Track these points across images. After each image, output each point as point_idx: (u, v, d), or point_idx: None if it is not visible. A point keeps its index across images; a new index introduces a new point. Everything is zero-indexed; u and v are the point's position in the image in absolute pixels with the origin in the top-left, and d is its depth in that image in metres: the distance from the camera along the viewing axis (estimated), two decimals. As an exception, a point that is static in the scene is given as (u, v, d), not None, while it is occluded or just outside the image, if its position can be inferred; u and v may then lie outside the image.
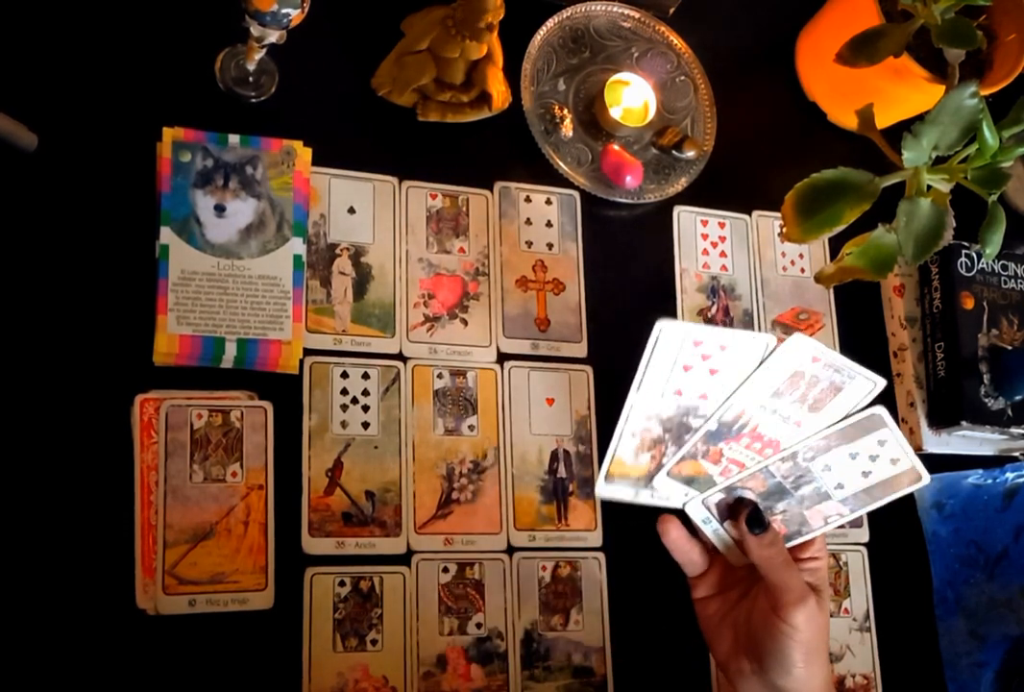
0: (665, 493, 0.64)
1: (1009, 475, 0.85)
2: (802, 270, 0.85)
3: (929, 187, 0.67)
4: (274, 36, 0.63)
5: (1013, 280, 0.86)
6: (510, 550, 0.69)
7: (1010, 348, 0.82)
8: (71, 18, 0.68)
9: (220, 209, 0.66)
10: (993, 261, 0.85)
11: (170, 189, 0.65)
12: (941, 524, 0.82)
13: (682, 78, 0.85)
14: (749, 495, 0.63)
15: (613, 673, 0.69)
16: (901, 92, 0.81)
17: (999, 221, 0.69)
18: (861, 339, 0.85)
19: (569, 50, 0.82)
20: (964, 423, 0.79)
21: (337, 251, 0.71)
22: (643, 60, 0.84)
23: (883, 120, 0.75)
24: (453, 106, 0.75)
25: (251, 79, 0.70)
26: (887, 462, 0.61)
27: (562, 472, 0.72)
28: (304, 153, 0.69)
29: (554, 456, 0.72)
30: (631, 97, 0.81)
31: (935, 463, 0.81)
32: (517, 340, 0.74)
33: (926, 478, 0.61)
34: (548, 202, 0.78)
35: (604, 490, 0.63)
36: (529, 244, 0.76)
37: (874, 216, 0.67)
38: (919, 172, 0.67)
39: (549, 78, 0.80)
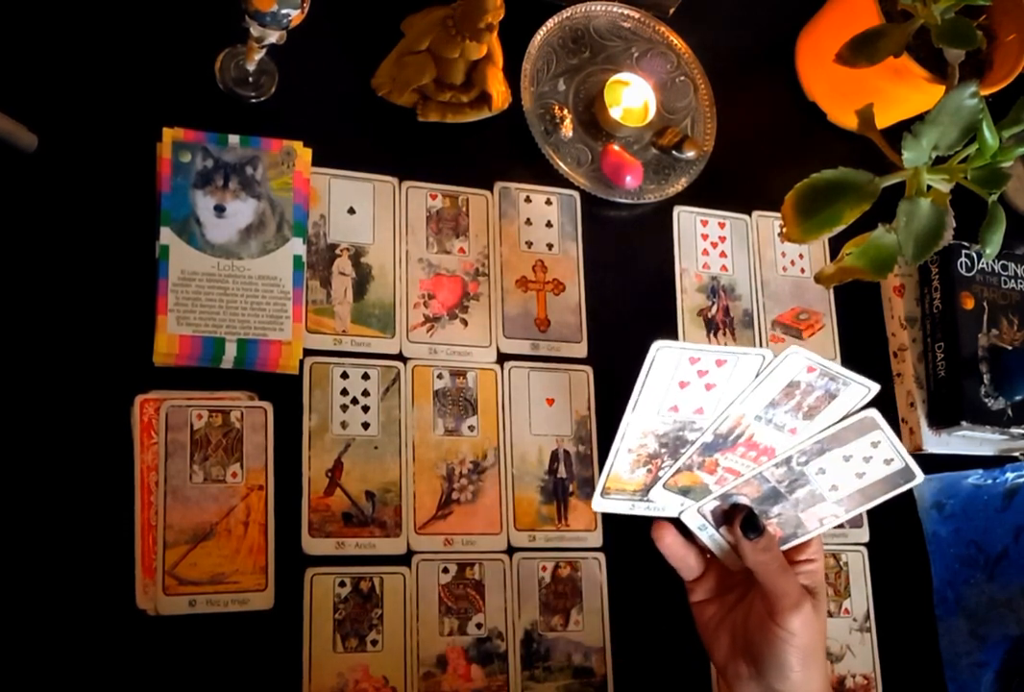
0: (661, 504, 0.64)
1: (1009, 475, 0.84)
2: (802, 270, 0.85)
3: (929, 187, 0.67)
4: (274, 36, 0.63)
5: (1013, 280, 0.86)
6: (510, 550, 0.69)
7: (1010, 348, 0.82)
8: (71, 18, 0.68)
9: (220, 209, 0.65)
10: (993, 261, 0.85)
11: (170, 189, 0.65)
12: (941, 524, 0.82)
13: (682, 78, 0.85)
14: (744, 500, 0.63)
15: (613, 673, 0.69)
16: (901, 92, 0.81)
17: (999, 221, 0.69)
18: (861, 339, 0.85)
19: (569, 50, 0.82)
20: (964, 423, 0.79)
21: (337, 251, 0.71)
22: (643, 60, 0.84)
23: (883, 120, 0.75)
24: (453, 106, 0.75)
25: (251, 79, 0.70)
26: (880, 463, 0.61)
27: (562, 472, 0.72)
28: (304, 153, 0.69)
29: (554, 456, 0.72)
30: (631, 97, 0.81)
31: (935, 463, 0.82)
32: (517, 340, 0.74)
33: (920, 477, 0.61)
34: (548, 202, 0.78)
35: (600, 504, 0.64)
36: (529, 244, 0.76)
37: (874, 216, 0.67)
38: (919, 172, 0.66)
39: (549, 78, 0.80)
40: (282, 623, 0.63)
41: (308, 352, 0.67)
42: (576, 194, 0.79)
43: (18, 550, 0.58)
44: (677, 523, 0.65)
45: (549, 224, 0.77)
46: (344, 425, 0.67)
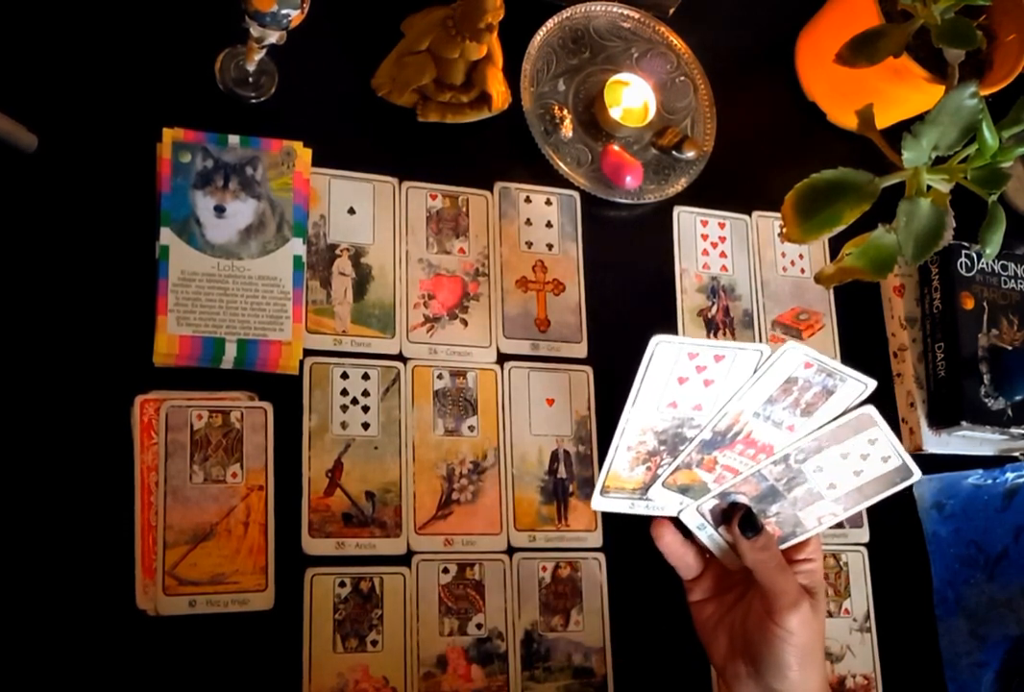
0: (660, 503, 0.64)
1: (1009, 475, 0.85)
2: (802, 270, 0.85)
3: (929, 187, 0.67)
4: (274, 37, 0.63)
5: (1013, 280, 0.86)
6: (510, 551, 0.69)
7: (1010, 348, 0.82)
8: (71, 19, 0.68)
9: (220, 210, 0.65)
10: (993, 261, 0.85)
11: (170, 190, 0.65)
12: (941, 524, 0.82)
13: (682, 78, 0.85)
14: (742, 499, 0.63)
15: (613, 673, 0.69)
16: (901, 92, 0.81)
17: (999, 221, 0.69)
18: (861, 339, 0.85)
19: (569, 50, 0.82)
20: (964, 423, 0.79)
21: (337, 252, 0.71)
22: (643, 60, 0.84)
23: (883, 120, 0.75)
24: (453, 106, 0.75)
25: (251, 80, 0.70)
26: (878, 460, 0.61)
27: (562, 472, 0.72)
28: (304, 154, 0.69)
29: (554, 456, 0.72)
30: (631, 97, 0.81)
31: (935, 463, 0.82)
32: (517, 340, 0.74)
33: (917, 474, 0.62)
34: (548, 202, 0.78)
35: (600, 503, 0.64)
36: (529, 244, 0.76)
37: (874, 216, 0.67)
38: (919, 172, 0.66)
39: (549, 78, 0.80)
40: (282, 623, 0.63)
41: (308, 352, 0.67)
42: (576, 194, 0.79)
43: (18, 550, 0.58)
44: (677, 523, 0.65)
45: (549, 224, 0.77)
46: (344, 425, 0.67)
